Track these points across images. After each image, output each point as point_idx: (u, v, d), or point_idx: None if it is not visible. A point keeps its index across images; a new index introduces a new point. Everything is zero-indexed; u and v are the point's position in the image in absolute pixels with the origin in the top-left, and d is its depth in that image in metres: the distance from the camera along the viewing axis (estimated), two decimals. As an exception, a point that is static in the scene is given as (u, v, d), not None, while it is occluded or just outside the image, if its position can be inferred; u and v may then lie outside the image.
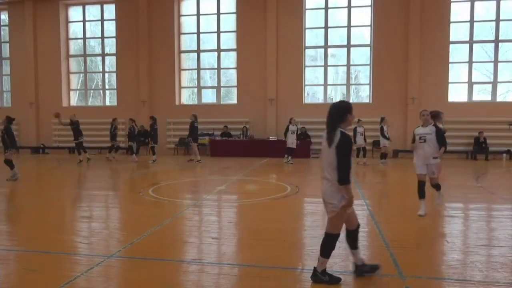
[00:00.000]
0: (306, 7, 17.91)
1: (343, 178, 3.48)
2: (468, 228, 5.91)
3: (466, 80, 16.95)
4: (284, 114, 17.10)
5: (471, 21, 16.79)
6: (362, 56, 18.00)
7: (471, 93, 16.93)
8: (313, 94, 18.79)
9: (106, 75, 20.54)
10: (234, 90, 18.83)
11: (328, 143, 3.59)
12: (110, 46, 20.13)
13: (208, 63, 19.66)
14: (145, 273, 4.00)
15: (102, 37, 20.19)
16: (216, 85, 19.22)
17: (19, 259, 4.58)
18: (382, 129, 13.96)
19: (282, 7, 17.63)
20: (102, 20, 20.13)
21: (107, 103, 20.41)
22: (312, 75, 18.55)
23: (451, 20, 16.73)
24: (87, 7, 20.26)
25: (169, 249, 4.87)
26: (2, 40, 21.19)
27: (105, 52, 20.26)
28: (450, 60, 16.86)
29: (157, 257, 4.47)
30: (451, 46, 16.79)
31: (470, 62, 16.89)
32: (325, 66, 18.10)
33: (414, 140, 6.42)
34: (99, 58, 20.52)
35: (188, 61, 19.60)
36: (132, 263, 4.39)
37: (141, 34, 18.82)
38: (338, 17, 18.03)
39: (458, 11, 16.94)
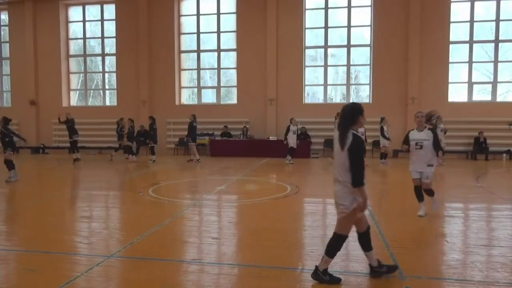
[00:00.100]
0: (306, 7, 17.91)
1: (357, 180, 3.48)
2: (468, 228, 5.91)
3: (466, 80, 16.95)
4: (284, 114, 17.10)
5: (471, 21, 16.79)
6: (362, 56, 18.00)
7: (471, 93, 16.93)
8: (313, 94, 18.79)
9: (106, 75, 20.53)
10: (234, 90, 18.83)
11: (340, 145, 3.58)
12: (110, 46, 20.13)
13: (208, 63, 19.66)
14: (145, 273, 4.00)
15: (102, 37, 20.19)
16: (216, 85, 19.21)
17: (19, 259, 4.58)
18: (382, 129, 13.96)
19: (282, 7, 17.63)
20: (102, 20, 20.12)
21: (107, 103, 20.41)
22: (312, 75, 18.55)
23: (451, 20, 16.73)
24: (87, 7, 20.25)
25: (169, 249, 4.87)
26: (2, 40, 21.19)
27: (105, 52, 20.26)
28: (450, 60, 16.86)
29: (157, 257, 4.47)
30: (451, 46, 16.79)
31: (470, 62, 16.89)
32: (325, 66, 18.10)
33: (405, 142, 6.28)
34: (99, 58, 20.52)
35: (188, 61, 19.60)
36: (132, 263, 4.39)
37: (141, 34, 18.82)
38: (338, 17, 18.03)
39: (458, 11, 16.94)
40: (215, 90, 19.22)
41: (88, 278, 3.84)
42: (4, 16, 20.98)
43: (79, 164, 14.76)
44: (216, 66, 19.22)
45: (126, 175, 12.56)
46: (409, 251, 4.69)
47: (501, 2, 16.48)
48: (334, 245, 3.71)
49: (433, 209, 6.31)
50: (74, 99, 20.82)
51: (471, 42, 16.84)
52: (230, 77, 19.25)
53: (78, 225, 6.20)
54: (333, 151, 3.79)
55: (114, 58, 19.93)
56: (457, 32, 17.05)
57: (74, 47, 20.66)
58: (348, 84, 18.05)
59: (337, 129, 3.64)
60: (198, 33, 19.07)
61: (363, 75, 18.27)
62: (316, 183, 10.78)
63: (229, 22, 18.74)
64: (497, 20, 16.60)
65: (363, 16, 17.56)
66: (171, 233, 5.55)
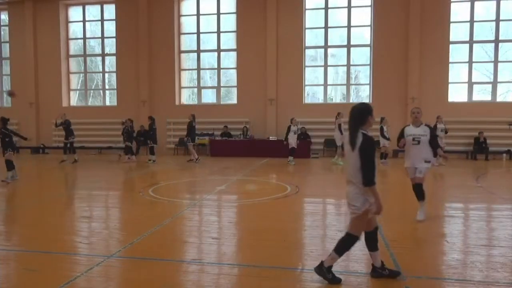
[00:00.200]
0: (306, 7, 17.91)
1: (368, 179, 3.46)
2: (468, 228, 5.91)
3: (466, 80, 16.95)
4: (284, 114, 17.10)
5: (471, 21, 16.79)
6: (362, 56, 18.00)
7: (471, 93, 16.93)
8: (313, 94, 18.79)
9: (106, 75, 20.53)
10: (234, 90, 18.83)
11: (351, 146, 3.59)
12: (110, 46, 20.13)
13: (208, 63, 19.65)
14: (145, 273, 4.00)
15: (102, 37, 20.19)
16: (216, 85, 19.21)
17: (19, 259, 4.58)
18: (382, 129, 13.94)
19: (282, 7, 17.63)
20: (102, 20, 20.12)
21: (107, 103, 20.40)
22: (312, 75, 18.55)
23: (451, 20, 16.73)
24: (87, 7, 20.25)
25: (169, 249, 4.87)
26: (2, 40, 21.18)
27: (105, 52, 20.26)
28: (450, 60, 16.86)
29: (157, 257, 4.47)
30: (451, 46, 16.79)
31: (470, 62, 16.89)
32: (325, 66, 18.10)
33: (401, 137, 6.20)
34: (99, 58, 20.52)
35: (188, 61, 19.60)
36: (132, 263, 4.39)
37: (141, 34, 18.82)
38: (338, 17, 18.03)
39: (458, 11, 16.94)
40: (215, 90, 19.22)
41: (88, 278, 3.84)
42: (4, 16, 20.98)
43: (62, 164, 14.62)
44: (216, 66, 19.22)
45: (126, 175, 12.56)
46: (409, 251, 4.69)
47: (501, 2, 16.48)
48: (344, 244, 3.69)
49: (417, 217, 6.00)
50: (74, 99, 20.82)
51: (471, 42, 16.84)
52: (230, 77, 19.25)
53: (78, 225, 6.20)
54: (345, 153, 3.77)
55: (114, 58, 19.93)
56: (457, 32, 17.05)
57: (74, 47, 20.66)
58: (348, 84, 18.05)
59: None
60: (198, 33, 19.07)
61: (363, 75, 18.27)
62: (316, 183, 10.77)
63: (229, 22, 18.74)
64: (497, 20, 16.60)
65: (363, 16, 17.56)
66: (171, 233, 5.55)
